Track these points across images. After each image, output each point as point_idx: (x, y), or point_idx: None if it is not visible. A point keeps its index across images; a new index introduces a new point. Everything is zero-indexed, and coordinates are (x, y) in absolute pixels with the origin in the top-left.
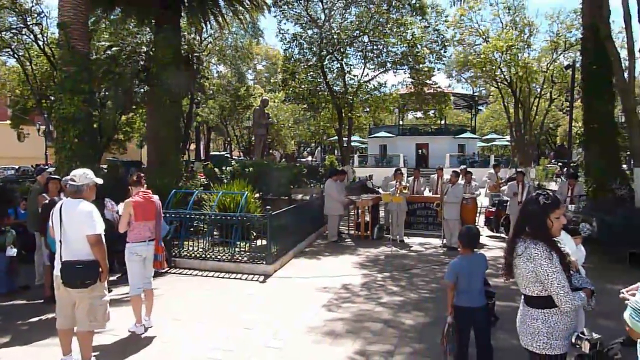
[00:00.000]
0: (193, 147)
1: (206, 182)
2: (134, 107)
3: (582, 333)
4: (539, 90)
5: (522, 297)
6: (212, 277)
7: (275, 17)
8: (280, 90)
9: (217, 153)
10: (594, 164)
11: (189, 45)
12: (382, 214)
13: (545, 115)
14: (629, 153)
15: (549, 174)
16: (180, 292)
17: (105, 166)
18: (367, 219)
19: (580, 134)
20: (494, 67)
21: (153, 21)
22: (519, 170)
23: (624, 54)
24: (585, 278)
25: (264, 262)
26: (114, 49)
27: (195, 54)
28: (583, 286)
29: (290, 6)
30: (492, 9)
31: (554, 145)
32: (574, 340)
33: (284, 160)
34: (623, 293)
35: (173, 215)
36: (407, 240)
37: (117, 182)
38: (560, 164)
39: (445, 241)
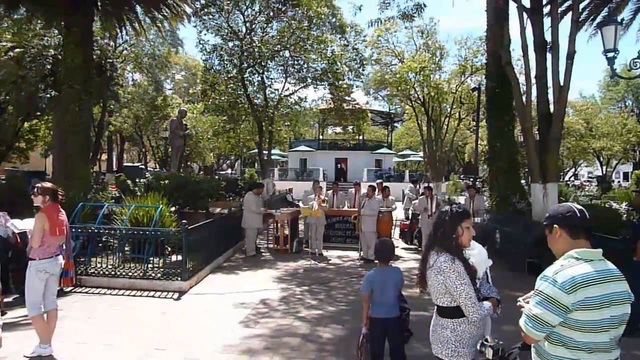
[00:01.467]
0: (105, 157)
1: (118, 195)
2: (38, 113)
3: (486, 340)
4: (449, 109)
5: (435, 307)
6: (123, 295)
7: (195, 26)
8: (199, 101)
9: (131, 164)
10: (496, 180)
11: (101, 50)
12: (301, 227)
13: (454, 133)
14: (527, 169)
15: (458, 188)
16: (86, 312)
17: (3, 176)
18: (286, 232)
19: (485, 151)
20: (408, 87)
21: (62, 23)
22: (426, 185)
23: (522, 79)
24: (492, 287)
25: (179, 278)
26: (17, 50)
27: (109, 60)
28: (490, 295)
29: (211, 17)
30: (406, 32)
31: (462, 162)
32: (478, 347)
33: (201, 172)
34: (519, 301)
35: (79, 230)
36: (325, 253)
37: (17, 193)
38: (469, 179)
39: (362, 253)
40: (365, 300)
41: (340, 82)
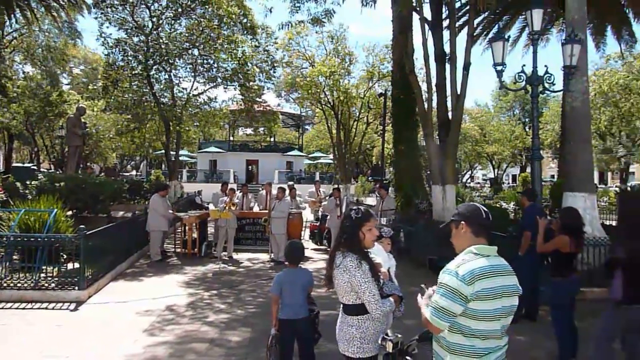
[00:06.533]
0: None
1: (5, 198)
2: None
3: (386, 334)
4: (357, 113)
5: (341, 305)
6: (11, 308)
7: (96, 18)
8: (101, 98)
9: (21, 164)
10: (401, 181)
11: None
12: (210, 230)
13: (362, 137)
14: (428, 172)
15: (366, 189)
16: None
17: None
18: (194, 235)
19: (391, 154)
20: (319, 90)
21: None
22: (334, 187)
23: (424, 87)
24: (395, 285)
25: (76, 287)
26: None
27: None
28: (392, 292)
29: (114, 9)
30: (317, 36)
31: (370, 164)
32: (379, 342)
33: (103, 174)
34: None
35: None
36: (235, 255)
37: None
38: (382, 180)
39: (272, 255)
40: (275, 301)
41: (251, 83)
